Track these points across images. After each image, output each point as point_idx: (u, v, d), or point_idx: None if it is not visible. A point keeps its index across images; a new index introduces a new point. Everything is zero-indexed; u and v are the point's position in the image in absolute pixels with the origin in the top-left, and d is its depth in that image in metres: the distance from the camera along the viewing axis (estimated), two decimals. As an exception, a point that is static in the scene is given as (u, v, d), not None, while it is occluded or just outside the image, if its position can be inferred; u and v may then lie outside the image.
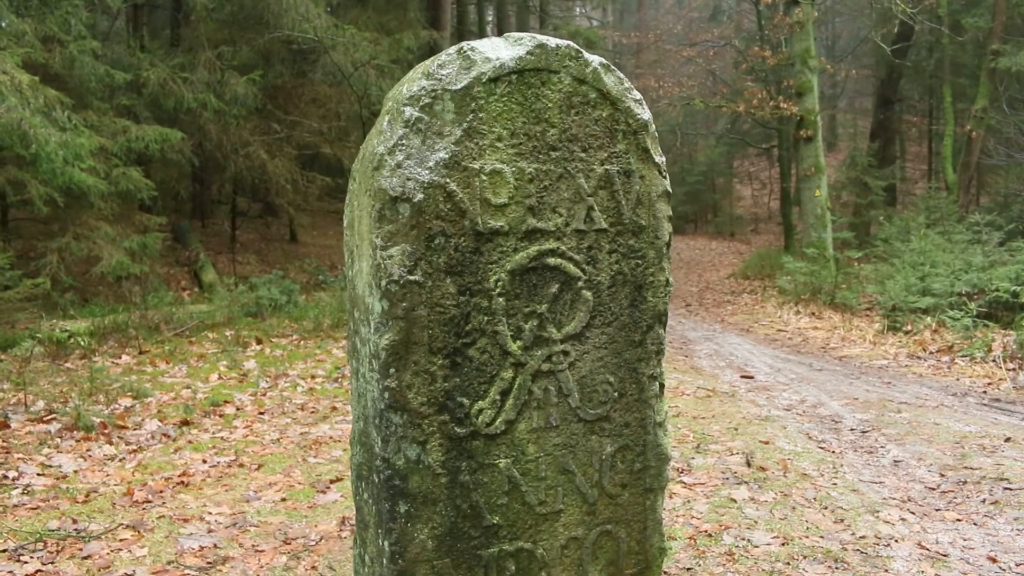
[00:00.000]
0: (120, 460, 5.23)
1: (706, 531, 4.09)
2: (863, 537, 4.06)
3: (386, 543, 2.04)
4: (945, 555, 3.91)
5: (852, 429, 6.23)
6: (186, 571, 3.53)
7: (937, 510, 4.53)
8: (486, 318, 2.06)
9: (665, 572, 3.59)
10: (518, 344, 2.11)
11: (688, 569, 3.65)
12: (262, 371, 7.81)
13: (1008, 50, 17.49)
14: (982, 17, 18.59)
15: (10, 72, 8.48)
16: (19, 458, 5.17)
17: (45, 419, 6.00)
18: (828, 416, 6.62)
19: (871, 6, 20.17)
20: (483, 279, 2.06)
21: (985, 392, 7.81)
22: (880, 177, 20.57)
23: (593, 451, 2.23)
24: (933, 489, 4.88)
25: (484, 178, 2.03)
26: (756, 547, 3.92)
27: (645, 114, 2.23)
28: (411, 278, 1.96)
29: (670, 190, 2.28)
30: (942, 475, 5.12)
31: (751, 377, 8.24)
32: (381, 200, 1.95)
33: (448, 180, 1.99)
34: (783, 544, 3.94)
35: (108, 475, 4.92)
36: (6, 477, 4.83)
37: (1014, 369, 8.30)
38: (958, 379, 8.35)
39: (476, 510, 2.12)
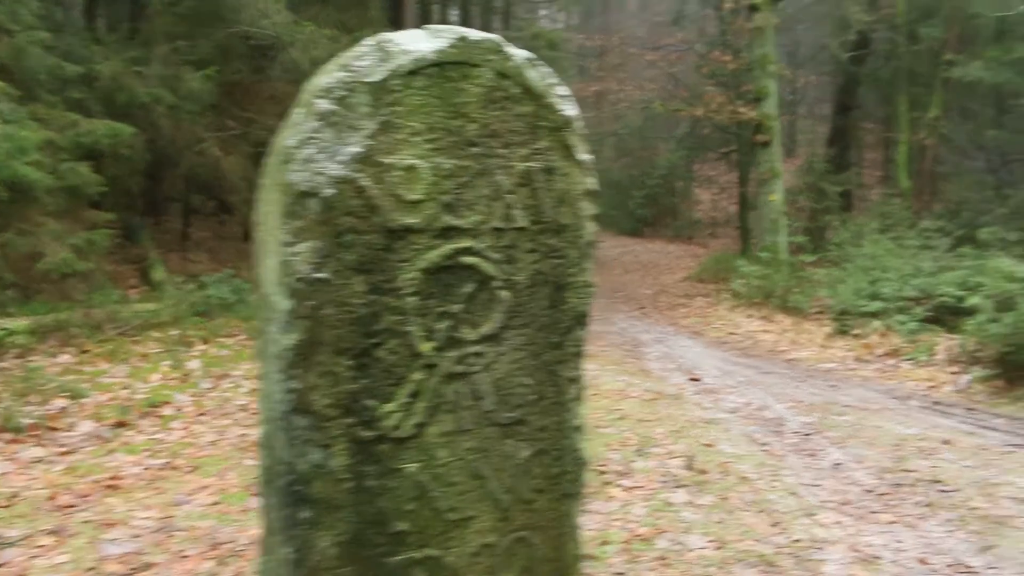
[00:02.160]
0: (48, 463, 5.06)
1: (641, 535, 4.05)
2: (798, 540, 4.05)
3: (288, 550, 1.97)
4: (877, 557, 3.92)
5: (795, 432, 6.26)
6: (105, 578, 3.43)
7: (873, 512, 4.55)
8: (397, 318, 2.00)
9: (597, 577, 3.55)
10: (430, 345, 2.04)
11: (620, 574, 3.61)
12: (205, 371, 7.66)
13: (961, 60, 17.76)
14: (937, 27, 18.86)
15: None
16: (-58, 460, 5.00)
17: (-29, 420, 5.81)
18: (772, 419, 6.64)
19: (830, 14, 20.40)
20: (394, 278, 1.99)
21: (927, 395, 7.90)
22: (836, 183, 20.76)
23: (508, 456, 2.18)
24: (870, 492, 4.90)
25: (398, 173, 1.97)
26: (690, 551, 3.89)
27: (570, 111, 2.18)
28: (318, 276, 1.89)
29: (594, 189, 2.23)
30: (880, 478, 5.15)
31: (699, 380, 8.25)
32: (289, 195, 1.88)
33: (360, 175, 1.92)
34: (717, 548, 3.92)
35: (34, 478, 4.75)
36: (-74, 479, 4.66)
37: (956, 372, 8.40)
38: (902, 382, 8.44)
39: (383, 517, 2.05)
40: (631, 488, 4.79)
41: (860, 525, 4.33)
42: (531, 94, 2.11)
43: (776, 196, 15.20)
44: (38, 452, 5.22)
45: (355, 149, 1.90)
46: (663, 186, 28.13)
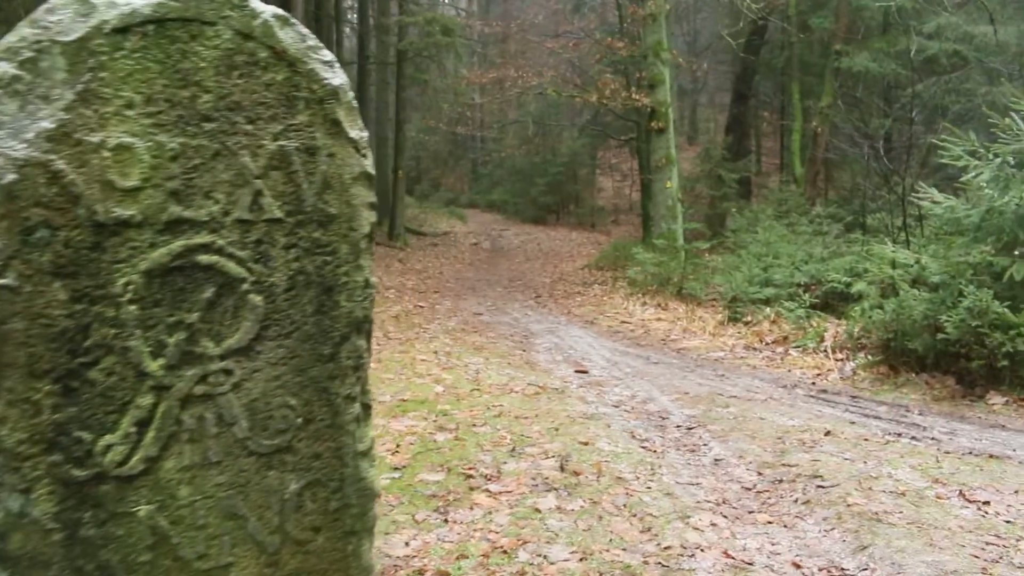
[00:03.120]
0: None
1: (502, 547, 3.75)
2: (668, 548, 3.80)
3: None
4: (750, 563, 3.69)
5: (678, 426, 6.06)
6: None
7: (750, 512, 4.34)
8: (113, 331, 1.63)
9: (449, 598, 3.26)
10: (159, 363, 1.68)
11: (473, 592, 3.31)
12: None
13: (850, 51, 18.06)
14: (827, 18, 19.16)
15: None
16: None
17: None
18: (656, 412, 6.44)
19: (727, 4, 20.55)
20: (107, 282, 1.62)
21: (814, 383, 7.83)
22: (733, 170, 20.96)
23: (272, 490, 1.83)
24: (749, 489, 4.71)
25: (107, 155, 1.60)
26: (552, 564, 3.61)
27: (336, 79, 1.83)
28: (0, 282, 1.51)
29: (371, 171, 1.89)
30: (760, 474, 4.97)
31: (585, 372, 8.02)
32: (-38, 181, 1.50)
33: (54, 156, 1.55)
34: (581, 559, 3.64)
35: None
36: None
37: (842, 360, 8.37)
38: (790, 370, 8.37)
39: (108, 571, 1.69)
40: (498, 493, 4.48)
41: (736, 527, 4.12)
42: (284, 58, 1.75)
43: (671, 183, 15.16)
44: None
45: (47, 124, 1.53)
46: (566, 174, 28.04)
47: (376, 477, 1.98)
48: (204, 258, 1.70)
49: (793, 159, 19.91)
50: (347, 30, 28.49)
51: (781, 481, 4.83)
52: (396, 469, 4.73)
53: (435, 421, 5.76)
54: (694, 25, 32.70)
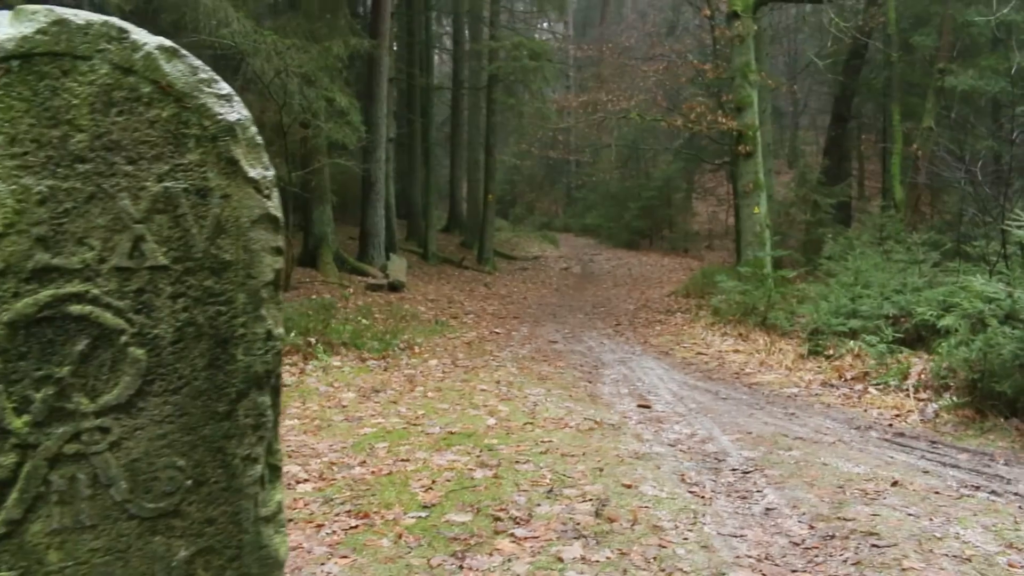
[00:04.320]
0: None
1: (514, 602, 3.57)
2: (692, 609, 3.55)
3: None
4: (779, 629, 3.41)
5: (734, 469, 5.73)
6: None
7: (793, 572, 4.01)
8: (-28, 386, 1.53)
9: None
10: (24, 419, 1.57)
11: (472, 651, 3.13)
12: None
13: (954, 69, 17.26)
14: (930, 36, 18.37)
15: None
16: None
17: None
18: (713, 453, 6.12)
19: (823, 25, 19.94)
20: (-36, 334, 1.52)
21: (891, 425, 7.34)
22: (830, 195, 20.25)
23: (157, 556, 1.70)
24: (797, 544, 4.37)
25: (-36, 199, 1.50)
26: (561, 621, 3.41)
27: (232, 114, 1.69)
28: None
29: (276, 213, 1.75)
30: (812, 527, 4.61)
31: (648, 407, 7.74)
32: None
33: (-98, 200, 1.46)
34: (594, 617, 3.43)
35: None
36: None
37: (925, 400, 7.85)
38: (866, 410, 7.89)
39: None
40: (524, 539, 4.28)
41: (773, 588, 3.83)
42: (171, 94, 1.63)
43: (759, 209, 14.70)
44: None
45: None
46: (659, 198, 27.64)
47: (282, 544, 1.82)
48: (76, 308, 1.59)
49: (893, 183, 19.09)
50: (446, 56, 28.87)
51: (833, 537, 4.48)
52: (425, 507, 4.59)
53: (478, 456, 5.61)
54: (794, 46, 31.90)
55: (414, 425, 6.44)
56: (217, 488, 1.72)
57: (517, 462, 5.53)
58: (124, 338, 1.63)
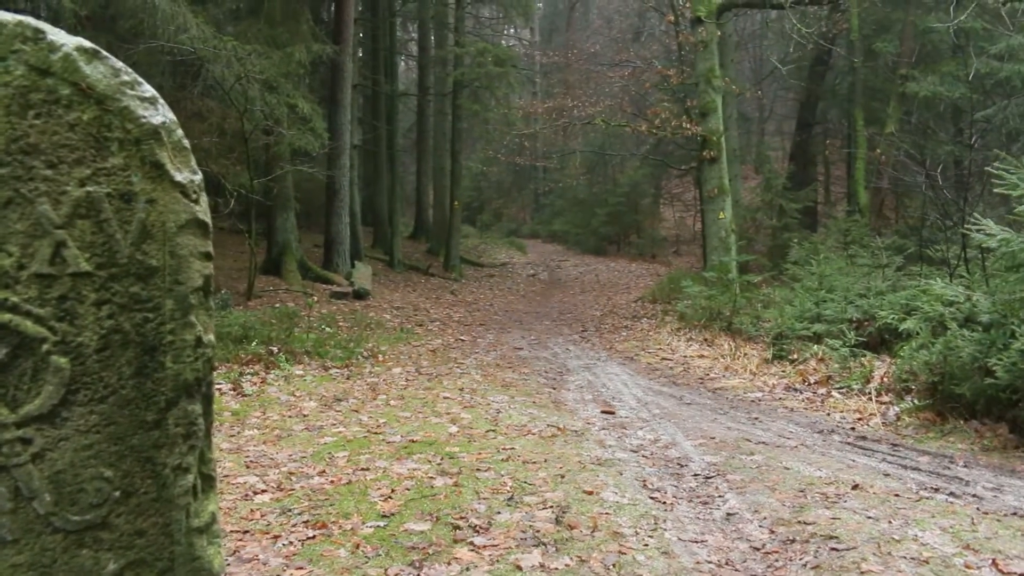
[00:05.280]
0: None
1: (470, 610, 3.53)
2: (651, 616, 3.53)
3: None
4: (737, 637, 3.40)
5: (696, 475, 5.73)
6: None
7: (752, 577, 4.02)
8: None
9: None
10: (-60, 432, 1.52)
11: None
12: None
13: (916, 75, 17.49)
14: (891, 42, 18.61)
15: None
16: None
17: None
18: (675, 459, 6.12)
19: (787, 31, 20.14)
20: None
21: (853, 429, 7.39)
22: (795, 200, 20.42)
23: (85, 571, 1.65)
24: (757, 550, 4.36)
25: None
26: (516, 629, 3.37)
27: (156, 117, 1.65)
28: None
29: (204, 218, 1.71)
30: (772, 531, 4.61)
31: (612, 412, 7.73)
32: None
33: None
34: (549, 625, 3.39)
35: None
36: None
37: (887, 403, 7.91)
38: (829, 414, 7.94)
39: None
40: (482, 547, 4.24)
41: (733, 595, 3.81)
42: (91, 96, 1.59)
43: (724, 214, 14.78)
44: None
45: None
46: (627, 204, 27.74)
47: (216, 555, 1.78)
48: (-7, 316, 1.54)
49: (857, 188, 19.32)
50: (411, 63, 28.79)
51: (793, 541, 4.48)
52: (383, 517, 4.54)
53: (439, 464, 5.56)
54: (760, 51, 32.19)
55: (375, 434, 6.38)
56: (147, 499, 1.68)
57: (478, 470, 5.49)
58: (46, 346, 1.58)
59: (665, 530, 4.61)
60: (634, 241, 28.50)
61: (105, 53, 1.62)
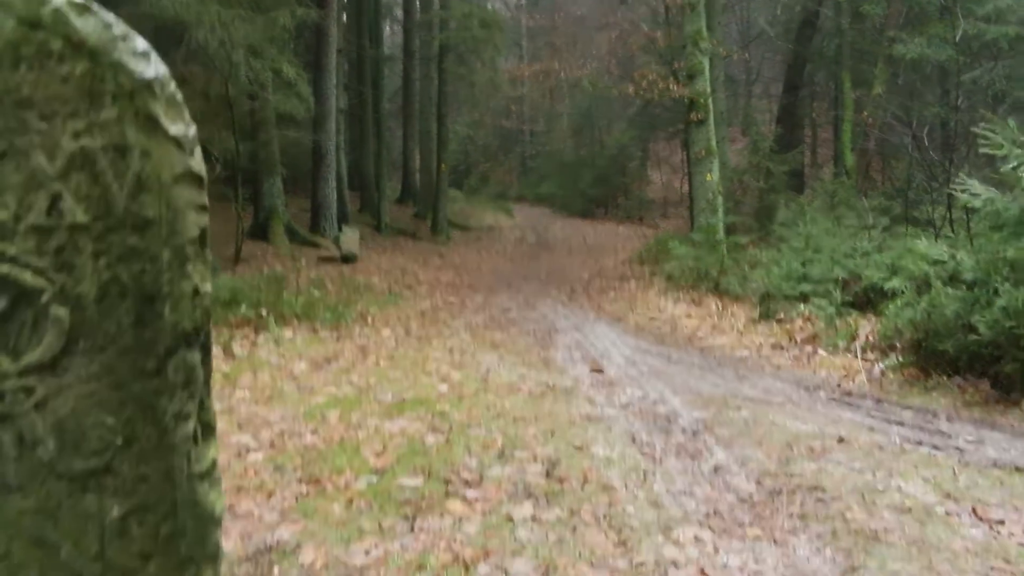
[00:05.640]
0: None
1: (464, 559, 3.60)
2: (641, 564, 3.59)
3: None
4: (726, 584, 3.48)
5: (684, 430, 5.82)
6: None
7: (740, 526, 4.10)
8: None
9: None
10: (-56, 380, 1.56)
11: (420, 609, 3.16)
12: None
13: (903, 37, 17.46)
14: (879, 4, 18.55)
15: None
16: None
17: None
18: (664, 415, 6.21)
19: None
20: None
21: (839, 385, 7.51)
22: (782, 162, 20.45)
23: (90, 515, 1.69)
24: (744, 501, 4.46)
25: None
26: (509, 578, 3.45)
27: (149, 71, 1.67)
28: None
29: (198, 171, 1.73)
30: (759, 483, 4.72)
31: (600, 371, 7.82)
32: None
33: None
34: (543, 575, 3.47)
35: None
36: None
37: (872, 360, 8.03)
38: (815, 372, 8.06)
39: None
40: (474, 500, 4.32)
41: (721, 542, 3.88)
42: (83, 49, 1.61)
43: (712, 176, 14.83)
44: None
45: None
46: (614, 166, 27.71)
47: (217, 500, 1.83)
48: (-7, 268, 1.57)
49: (844, 150, 19.36)
50: (396, 27, 28.53)
51: (780, 492, 4.58)
52: (375, 473, 4.61)
53: (430, 422, 5.63)
54: (747, 14, 32.03)
55: (366, 393, 6.44)
56: (148, 446, 1.72)
57: (469, 427, 5.57)
58: (45, 297, 1.62)
59: (654, 483, 4.69)
60: (621, 204, 28.51)
61: (96, 7, 1.63)
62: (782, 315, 10.28)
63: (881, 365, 7.78)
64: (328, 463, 4.71)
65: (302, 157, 19.16)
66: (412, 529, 3.89)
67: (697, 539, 3.92)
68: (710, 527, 4.08)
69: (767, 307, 10.58)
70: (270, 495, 4.25)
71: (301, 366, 7.40)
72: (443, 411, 5.91)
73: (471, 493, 4.40)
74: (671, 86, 15.46)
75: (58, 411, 1.65)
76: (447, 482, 4.50)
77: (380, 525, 3.89)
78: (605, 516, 4.14)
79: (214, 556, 1.84)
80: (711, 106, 15.26)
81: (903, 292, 8.53)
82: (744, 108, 34.78)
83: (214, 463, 1.82)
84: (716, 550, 3.79)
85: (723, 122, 21.02)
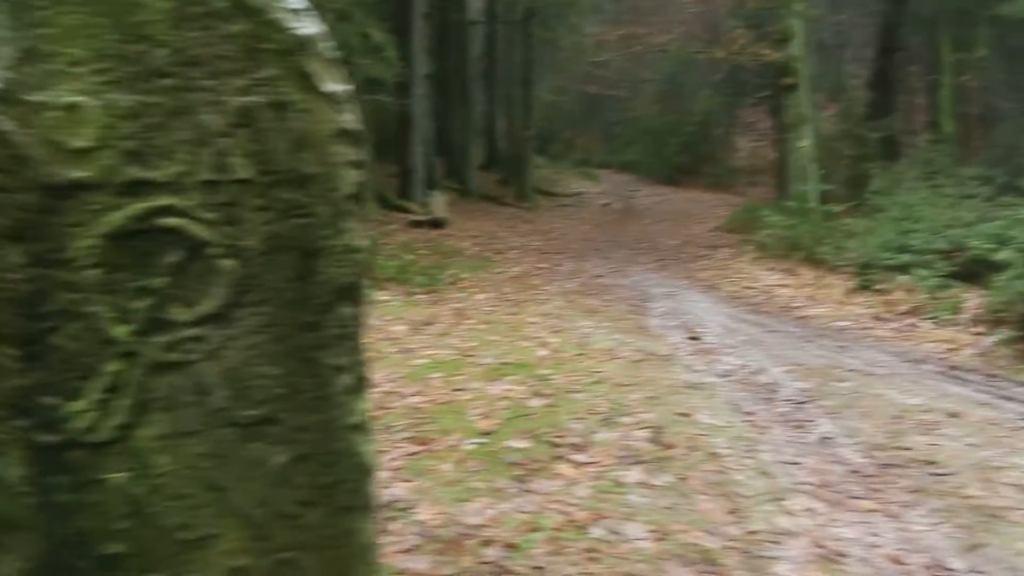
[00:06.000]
0: None
1: (577, 521, 3.62)
2: (754, 532, 3.58)
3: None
4: (842, 555, 3.43)
5: (787, 400, 5.76)
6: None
7: (852, 498, 4.05)
8: (74, 296, 1.58)
9: (512, 571, 3.16)
10: (126, 329, 1.62)
11: (538, 568, 3.20)
12: None
13: (1010, -5, 16.67)
14: (983, -41, 17.73)
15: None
16: None
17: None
18: (765, 384, 6.15)
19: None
20: (64, 246, 1.57)
21: (945, 359, 7.30)
22: (875, 129, 19.80)
23: (256, 462, 1.75)
24: (855, 472, 4.40)
25: (55, 114, 1.53)
26: (625, 542, 3.45)
27: (306, 29, 1.70)
28: (-45, 246, 1.49)
29: (353, 127, 1.76)
30: (869, 456, 4.64)
31: (697, 339, 7.76)
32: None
33: (1, 118, 1.50)
34: (657, 539, 3.46)
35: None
36: None
37: (980, 334, 7.77)
38: (919, 344, 7.84)
39: (84, 537, 1.66)
40: (583, 464, 4.35)
41: (834, 513, 3.84)
42: (245, 9, 1.64)
43: (804, 143, 14.47)
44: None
45: (-9, 85, 1.48)
46: (700, 133, 27.26)
47: (371, 452, 1.88)
48: (167, 221, 1.63)
49: (942, 116, 18.65)
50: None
51: (891, 466, 4.50)
52: (483, 434, 4.67)
53: (532, 386, 5.67)
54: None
55: (466, 356, 6.52)
56: (308, 397, 1.77)
57: (571, 391, 5.59)
58: (214, 250, 1.67)
59: (761, 452, 4.66)
60: (707, 171, 28.05)
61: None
62: (882, 286, 10.01)
63: (990, 339, 7.53)
64: (435, 424, 4.78)
65: (387, 124, 19.31)
66: (524, 491, 3.93)
67: (809, 510, 3.88)
68: (821, 498, 4.03)
69: (866, 277, 10.32)
70: (382, 453, 4.33)
71: (400, 328, 7.52)
72: (544, 375, 5.94)
73: (579, 457, 4.43)
74: (763, 50, 15.09)
75: (227, 361, 1.71)
76: (554, 445, 4.53)
77: (492, 485, 3.94)
78: (715, 484, 4.12)
79: (368, 506, 1.89)
80: (804, 71, 14.87)
81: (1012, 264, 8.23)
82: (834, 73, 33.75)
83: (366, 415, 1.87)
84: (830, 522, 3.75)
85: (812, 88, 20.45)
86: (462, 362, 6.32)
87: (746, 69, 20.51)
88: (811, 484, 4.21)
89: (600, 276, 12.36)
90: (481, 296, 9.80)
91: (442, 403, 5.22)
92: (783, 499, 3.97)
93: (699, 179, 28.04)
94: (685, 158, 28.03)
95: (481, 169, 24.71)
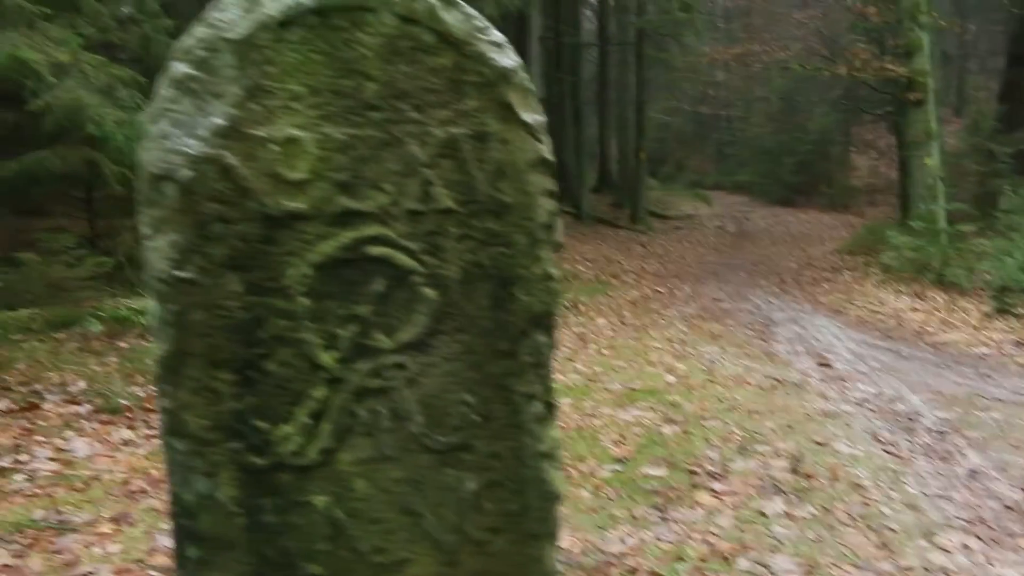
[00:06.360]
0: (135, 445, 5.00)
1: (722, 552, 3.55)
2: (908, 569, 3.43)
3: (175, 595, 1.67)
4: (1008, 598, 3.26)
5: (929, 430, 5.51)
6: (149, 572, 3.26)
7: (1011, 536, 3.84)
8: (287, 323, 1.64)
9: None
10: (332, 355, 1.67)
11: (686, 601, 3.15)
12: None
13: None
14: None
15: (71, 52, 8.43)
16: (38, 441, 4.99)
17: (78, 400, 5.86)
18: (904, 413, 5.90)
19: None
20: (279, 275, 1.63)
21: (1102, 389, 6.88)
22: (1007, 143, 18.94)
23: (449, 488, 1.78)
24: (1011, 509, 4.17)
25: (275, 148, 1.60)
26: (773, 575, 3.37)
27: (505, 60, 1.73)
28: (181, 275, 1.56)
29: (549, 157, 1.78)
30: (1025, 492, 4.40)
31: (828, 365, 7.52)
32: (144, 179, 1.57)
33: (225, 152, 1.57)
34: (807, 572, 3.37)
35: (117, 461, 4.69)
36: (18, 461, 4.65)
37: None
38: (1070, 373, 7.42)
39: (288, 558, 1.72)
40: (722, 493, 4.27)
41: (993, 552, 3.65)
42: (449, 42, 1.68)
43: (931, 160, 13.95)
44: (128, 434, 5.16)
45: (218, 121, 1.55)
46: (816, 152, 26.61)
47: (559, 480, 1.88)
48: (374, 250, 1.68)
49: (1082, 129, 17.72)
50: (589, 13, 28.50)
51: (1052, 503, 4.25)
52: (619, 461, 4.63)
53: (663, 412, 5.61)
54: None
55: (593, 382, 6.49)
56: (501, 424, 1.80)
57: (703, 418, 5.50)
58: (417, 278, 1.71)
59: (907, 485, 4.47)
60: (824, 191, 27.34)
61: (459, 0, 1.71)
62: (1022, 310, 9.53)
63: None
64: (569, 450, 4.75)
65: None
66: (664, 519, 3.88)
67: (965, 547, 3.70)
68: (977, 535, 3.83)
69: (1003, 301, 9.84)
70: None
71: (523, 352, 7.52)
72: (674, 402, 5.87)
73: (718, 486, 4.34)
74: (887, 65, 14.62)
75: (425, 388, 1.74)
76: (692, 473, 4.46)
77: (632, 514, 3.90)
78: (861, 516, 3.97)
79: (553, 534, 1.90)
80: (931, 85, 14.35)
81: None
82: (957, 85, 32.53)
83: (556, 443, 1.88)
84: (989, 560, 3.56)
85: (937, 102, 19.75)
86: (590, 387, 6.29)
87: (864, 85, 19.94)
88: (964, 520, 4.01)
89: (720, 300, 12.15)
90: (601, 320, 9.76)
91: (574, 428, 5.21)
92: (935, 534, 3.79)
93: (815, 199, 27.34)
94: (800, 178, 27.39)
95: (593, 192, 24.72)
